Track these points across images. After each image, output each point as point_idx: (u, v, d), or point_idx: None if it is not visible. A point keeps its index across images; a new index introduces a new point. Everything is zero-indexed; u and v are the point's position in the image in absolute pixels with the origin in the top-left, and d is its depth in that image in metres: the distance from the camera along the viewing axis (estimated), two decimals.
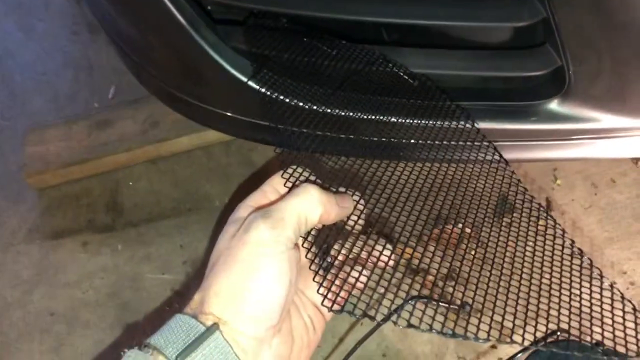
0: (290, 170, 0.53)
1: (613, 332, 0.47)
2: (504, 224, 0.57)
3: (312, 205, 0.48)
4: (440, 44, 0.72)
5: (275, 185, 0.53)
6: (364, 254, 0.51)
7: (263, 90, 0.68)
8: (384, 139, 0.67)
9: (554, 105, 0.71)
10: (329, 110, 0.68)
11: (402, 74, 0.71)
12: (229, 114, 0.81)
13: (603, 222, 1.09)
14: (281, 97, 0.68)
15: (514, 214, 0.58)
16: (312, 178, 0.53)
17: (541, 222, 0.57)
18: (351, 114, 0.68)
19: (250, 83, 0.72)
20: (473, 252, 0.53)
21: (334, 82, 0.71)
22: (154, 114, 1.25)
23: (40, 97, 1.43)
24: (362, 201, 0.54)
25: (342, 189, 0.54)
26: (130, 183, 1.23)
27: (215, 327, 0.43)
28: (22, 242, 1.15)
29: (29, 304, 1.06)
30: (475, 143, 0.66)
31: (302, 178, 0.52)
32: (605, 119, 0.71)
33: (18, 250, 1.14)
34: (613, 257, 1.05)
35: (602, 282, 0.51)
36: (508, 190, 0.62)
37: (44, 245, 1.14)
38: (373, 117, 0.68)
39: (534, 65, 0.69)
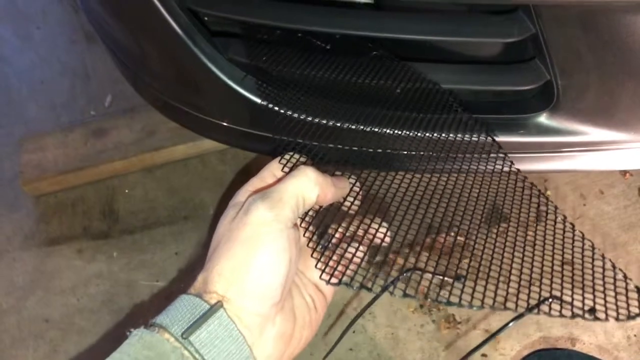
0: (287, 156, 0.54)
1: (604, 298, 0.48)
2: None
3: (309, 186, 0.50)
4: (431, 58, 0.73)
5: (273, 170, 0.54)
6: (360, 232, 0.53)
7: (258, 100, 0.69)
8: (376, 150, 0.68)
9: (542, 118, 0.73)
10: (322, 121, 0.69)
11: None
12: (224, 123, 0.82)
13: (592, 233, 1.11)
14: (276, 108, 0.69)
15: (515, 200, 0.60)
16: (309, 163, 0.55)
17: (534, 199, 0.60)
18: (345, 124, 0.69)
19: (246, 93, 0.74)
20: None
21: (327, 93, 0.72)
22: (150, 122, 1.26)
23: (37, 105, 1.44)
24: (358, 183, 0.56)
25: (338, 173, 0.56)
26: (126, 191, 1.24)
27: (219, 304, 0.44)
28: (18, 249, 1.15)
29: (24, 311, 1.06)
30: (468, 155, 0.67)
31: (299, 163, 0.54)
32: (593, 132, 0.72)
33: (13, 256, 1.14)
34: None
35: (593, 253, 0.52)
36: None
37: (40, 252, 1.15)
38: (368, 128, 0.70)
39: (524, 79, 0.70)
